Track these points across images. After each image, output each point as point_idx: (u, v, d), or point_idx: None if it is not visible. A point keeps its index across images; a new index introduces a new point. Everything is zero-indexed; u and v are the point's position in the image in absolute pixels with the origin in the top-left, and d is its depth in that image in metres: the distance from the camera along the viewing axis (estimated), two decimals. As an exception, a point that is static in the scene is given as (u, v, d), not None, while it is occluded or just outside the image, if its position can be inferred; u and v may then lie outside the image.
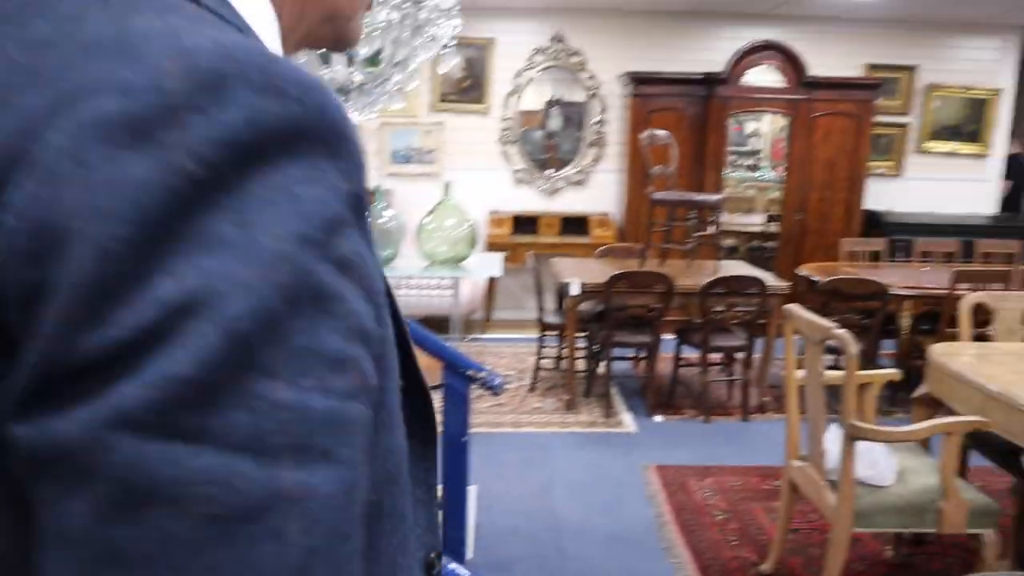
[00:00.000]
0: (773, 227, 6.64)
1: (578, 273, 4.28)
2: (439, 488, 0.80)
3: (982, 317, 2.92)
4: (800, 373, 2.39)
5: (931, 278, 4.58)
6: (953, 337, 4.23)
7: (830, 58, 6.65)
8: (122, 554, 0.27)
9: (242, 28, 0.36)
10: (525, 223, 6.46)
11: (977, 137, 7.05)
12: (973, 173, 7.12)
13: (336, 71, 1.74)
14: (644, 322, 4.16)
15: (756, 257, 6.93)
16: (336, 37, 0.48)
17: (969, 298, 2.85)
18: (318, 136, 0.31)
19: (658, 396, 4.41)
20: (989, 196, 7.16)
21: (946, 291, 4.10)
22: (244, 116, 0.29)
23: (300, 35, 0.45)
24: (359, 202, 0.33)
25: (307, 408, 0.29)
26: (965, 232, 6.54)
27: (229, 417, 0.28)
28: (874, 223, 6.61)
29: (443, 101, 6.64)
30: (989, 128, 7.01)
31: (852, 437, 2.08)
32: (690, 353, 4.36)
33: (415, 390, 0.44)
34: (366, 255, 0.33)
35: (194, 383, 0.27)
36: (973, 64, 6.93)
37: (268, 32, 0.40)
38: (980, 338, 2.90)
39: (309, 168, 0.31)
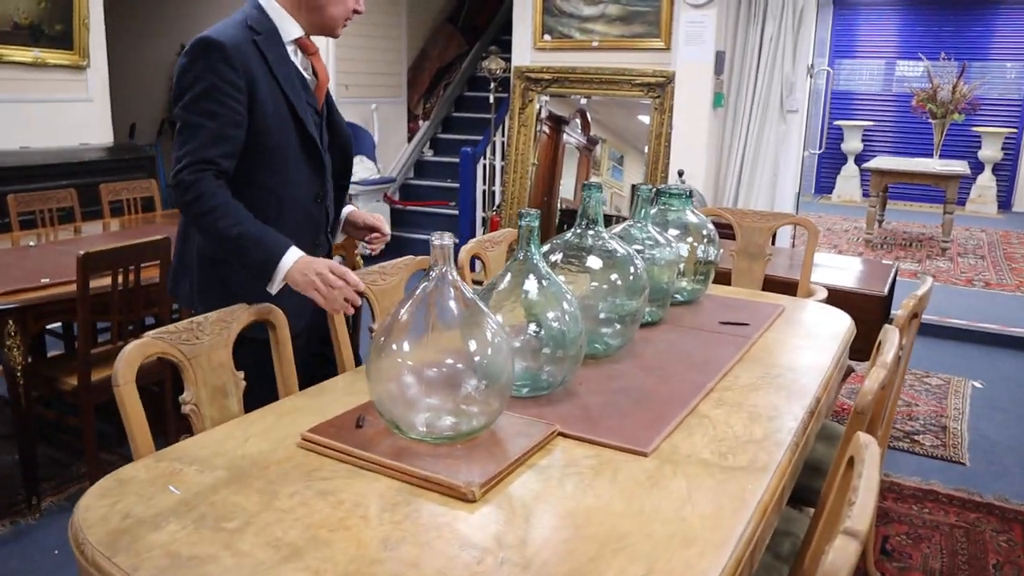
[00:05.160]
0: None
1: None
2: None
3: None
4: None
5: (50, 262, 3.12)
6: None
7: None
8: None
9: (254, 27, 1.89)
10: None
11: (70, 42, 5.71)
12: (73, 91, 5.80)
13: None
14: None
15: None
16: (322, 30, 1.99)
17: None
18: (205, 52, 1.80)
19: None
20: (98, 120, 5.98)
21: (72, 286, 2.71)
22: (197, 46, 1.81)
23: (304, 25, 1.96)
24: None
25: None
26: (81, 173, 5.25)
27: None
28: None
29: None
30: (83, 30, 5.74)
31: None
32: None
33: None
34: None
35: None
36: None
37: (287, 21, 1.95)
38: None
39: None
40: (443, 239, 1.43)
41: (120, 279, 2.80)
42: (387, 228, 2.19)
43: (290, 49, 1.97)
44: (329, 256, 2.14)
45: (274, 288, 1.83)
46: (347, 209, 2.22)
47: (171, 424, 3.03)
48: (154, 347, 1.56)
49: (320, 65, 2.05)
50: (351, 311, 1.83)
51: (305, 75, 2.00)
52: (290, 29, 1.96)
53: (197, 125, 1.78)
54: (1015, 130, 10.09)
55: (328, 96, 2.12)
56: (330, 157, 2.11)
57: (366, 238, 2.19)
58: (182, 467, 1.39)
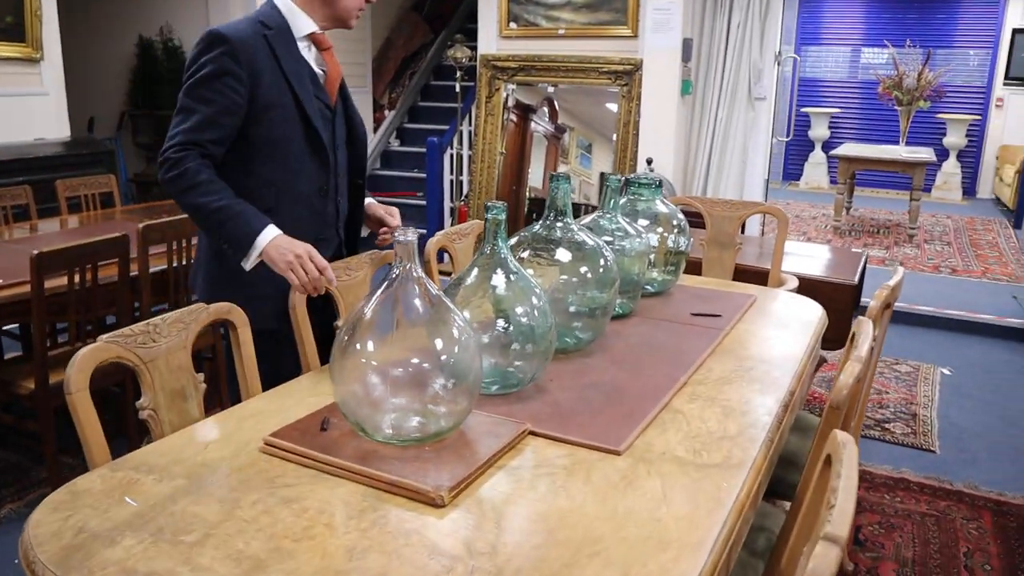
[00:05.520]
0: None
1: None
2: None
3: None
4: None
5: (3, 262, 3.02)
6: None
7: None
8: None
9: (266, 22, 1.96)
10: None
11: (22, 34, 5.56)
12: (27, 85, 5.65)
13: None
14: None
15: None
16: (336, 22, 2.06)
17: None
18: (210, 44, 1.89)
19: None
20: (54, 114, 5.83)
21: (27, 286, 2.63)
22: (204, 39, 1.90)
23: (319, 19, 2.03)
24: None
25: None
26: (37, 169, 5.12)
27: None
28: None
29: None
30: (35, 21, 5.59)
31: None
32: None
33: None
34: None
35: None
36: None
37: (299, 17, 2.01)
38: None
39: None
40: (407, 235, 1.39)
41: (77, 278, 2.72)
42: (396, 222, 2.22)
43: (303, 45, 2.04)
44: (346, 252, 2.24)
45: (248, 264, 1.90)
46: (367, 201, 2.28)
47: (133, 427, 2.97)
48: (108, 352, 1.50)
49: (333, 61, 2.10)
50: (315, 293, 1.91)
51: (317, 70, 2.07)
52: (302, 25, 2.03)
53: (192, 109, 1.89)
54: (979, 117, 10.22)
55: (345, 92, 2.17)
56: (346, 153, 2.18)
57: (378, 231, 2.25)
58: (139, 476, 1.34)
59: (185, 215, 3.09)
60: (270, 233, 1.87)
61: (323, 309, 2.09)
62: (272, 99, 1.94)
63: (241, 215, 1.87)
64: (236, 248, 1.88)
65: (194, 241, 3.14)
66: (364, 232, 2.31)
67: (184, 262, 3.13)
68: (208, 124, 1.88)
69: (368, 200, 2.28)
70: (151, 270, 2.99)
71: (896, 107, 9.39)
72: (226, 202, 1.87)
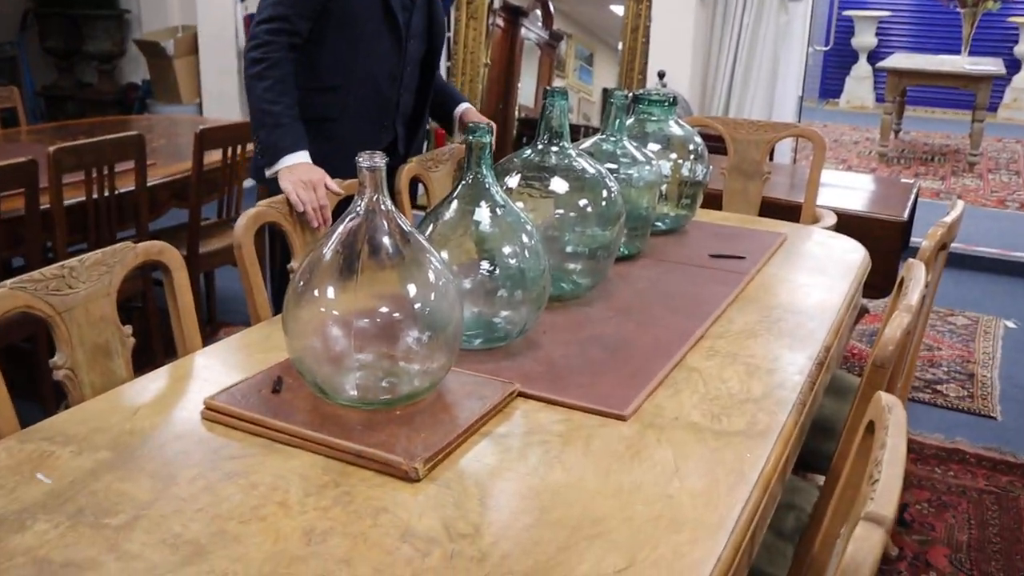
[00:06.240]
0: None
1: None
2: None
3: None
4: None
5: None
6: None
7: None
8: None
9: None
10: None
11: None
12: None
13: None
14: None
15: None
16: None
17: None
18: None
19: None
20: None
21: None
22: None
23: None
24: None
25: None
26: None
27: None
28: None
29: None
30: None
31: None
32: None
33: None
34: None
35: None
36: None
37: None
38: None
39: None
40: (373, 160, 1.38)
41: (-27, 213, 2.70)
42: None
43: None
44: (403, 151, 2.62)
45: (268, 172, 2.26)
46: (463, 107, 2.71)
47: (48, 389, 2.97)
48: (14, 300, 1.49)
49: None
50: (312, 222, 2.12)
51: None
52: None
53: None
54: (1057, 20, 10.14)
55: None
56: (420, 46, 2.57)
57: None
58: (54, 449, 1.34)
59: (108, 137, 3.09)
60: (298, 157, 2.22)
61: (275, 250, 2.14)
62: None
63: (284, 127, 2.24)
64: (264, 152, 2.28)
65: (117, 168, 3.12)
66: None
67: (106, 193, 3.10)
68: None
69: (467, 106, 2.70)
70: (66, 202, 2.96)
71: (959, 9, 9.30)
72: (280, 109, 2.24)
